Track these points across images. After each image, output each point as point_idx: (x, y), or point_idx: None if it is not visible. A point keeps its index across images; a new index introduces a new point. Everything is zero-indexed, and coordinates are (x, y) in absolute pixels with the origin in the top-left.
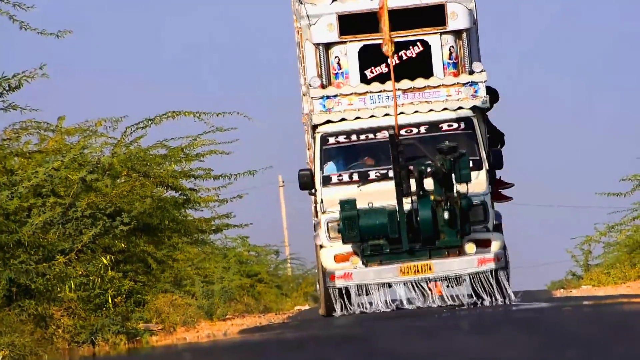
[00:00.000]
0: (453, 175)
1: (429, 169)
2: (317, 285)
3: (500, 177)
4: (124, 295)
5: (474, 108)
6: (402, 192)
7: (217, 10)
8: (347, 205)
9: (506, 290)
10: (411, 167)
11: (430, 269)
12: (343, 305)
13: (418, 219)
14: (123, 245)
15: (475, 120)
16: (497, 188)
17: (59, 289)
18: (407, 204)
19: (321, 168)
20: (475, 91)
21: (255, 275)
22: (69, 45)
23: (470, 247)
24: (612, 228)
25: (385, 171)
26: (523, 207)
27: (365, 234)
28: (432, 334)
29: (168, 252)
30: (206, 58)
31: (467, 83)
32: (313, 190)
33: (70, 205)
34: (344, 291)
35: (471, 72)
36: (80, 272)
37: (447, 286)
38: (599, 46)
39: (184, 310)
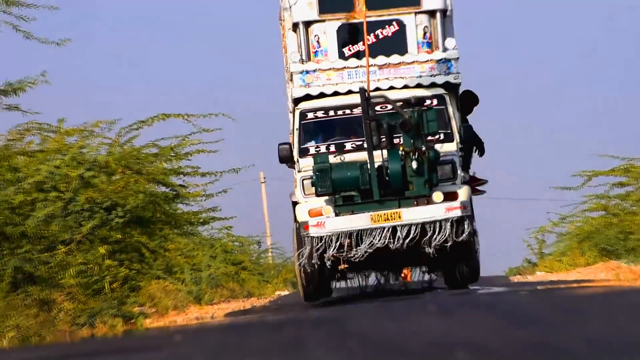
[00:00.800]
0: (422, 127)
1: (397, 121)
2: (294, 248)
3: (474, 173)
4: (120, 282)
5: (446, 85)
6: (372, 144)
7: (205, 21)
8: (320, 158)
9: (472, 237)
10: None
11: (399, 217)
12: (314, 257)
13: (388, 170)
14: (119, 236)
15: (447, 97)
16: (471, 184)
17: (60, 276)
18: (377, 159)
19: (300, 142)
20: (448, 68)
21: (239, 264)
22: (69, 52)
23: (437, 196)
24: (563, 219)
25: (361, 142)
26: (482, 199)
27: (338, 185)
28: (401, 316)
29: (160, 243)
30: (194, 61)
31: (440, 60)
32: (292, 164)
33: (70, 200)
34: (318, 240)
35: (445, 50)
36: (80, 261)
37: (423, 272)
38: (559, 40)
39: (174, 295)
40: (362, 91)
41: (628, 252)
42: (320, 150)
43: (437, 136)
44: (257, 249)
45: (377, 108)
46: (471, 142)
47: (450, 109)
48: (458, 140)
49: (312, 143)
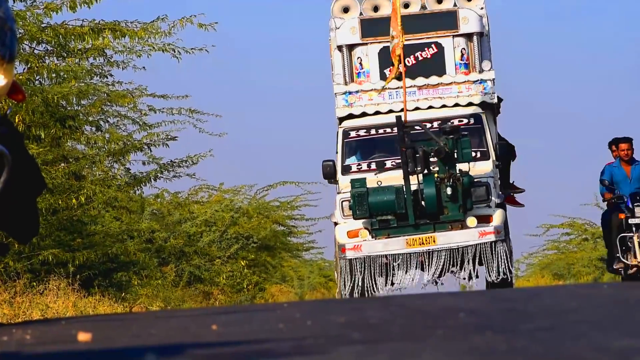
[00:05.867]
0: (455, 154)
1: (433, 148)
2: (335, 270)
3: (513, 181)
4: (253, 284)
5: (482, 104)
6: (408, 170)
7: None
8: (357, 183)
9: (505, 263)
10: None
11: (434, 241)
12: (352, 279)
13: (423, 195)
14: (253, 256)
15: (483, 116)
16: (512, 190)
17: (217, 278)
18: (413, 184)
19: (342, 159)
20: (484, 88)
21: (328, 276)
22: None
23: (471, 221)
24: (530, 255)
25: (400, 161)
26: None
27: (374, 209)
28: (424, 296)
29: (278, 261)
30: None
31: (476, 81)
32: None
33: (224, 232)
34: (354, 263)
35: (481, 71)
36: (229, 269)
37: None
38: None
39: (286, 295)
40: (399, 119)
41: (571, 276)
42: (362, 167)
43: (471, 162)
44: None
45: (417, 127)
46: (507, 154)
47: (486, 128)
48: (494, 159)
49: (354, 160)
